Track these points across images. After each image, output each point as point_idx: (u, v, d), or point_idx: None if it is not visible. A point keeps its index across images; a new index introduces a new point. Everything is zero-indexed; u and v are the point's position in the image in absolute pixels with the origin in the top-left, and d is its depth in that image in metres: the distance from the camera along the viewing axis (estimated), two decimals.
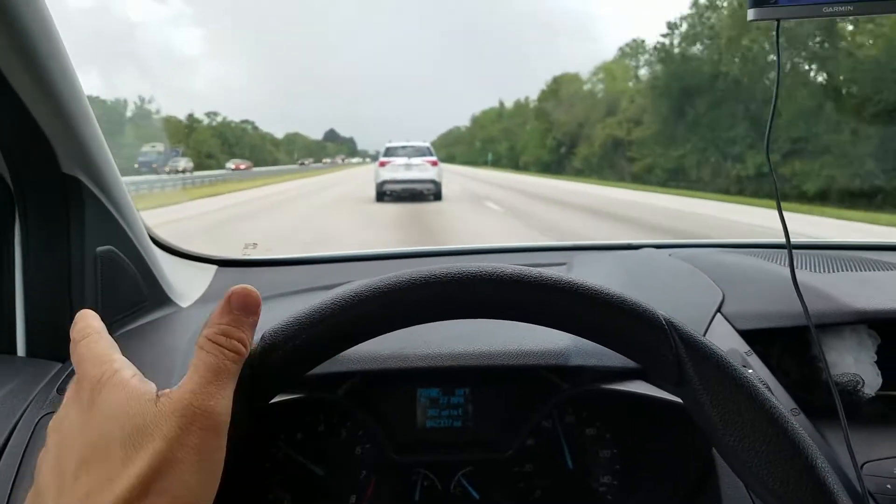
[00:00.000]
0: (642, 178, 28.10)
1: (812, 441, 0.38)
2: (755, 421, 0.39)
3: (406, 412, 0.74)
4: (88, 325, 0.44)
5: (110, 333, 0.43)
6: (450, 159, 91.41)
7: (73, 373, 0.41)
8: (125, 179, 0.83)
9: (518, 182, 27.18)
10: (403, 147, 15.66)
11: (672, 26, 30.08)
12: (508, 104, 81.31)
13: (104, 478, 0.35)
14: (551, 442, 0.75)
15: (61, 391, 0.68)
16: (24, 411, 0.65)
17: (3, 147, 0.71)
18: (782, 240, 0.62)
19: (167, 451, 0.35)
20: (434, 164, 14.85)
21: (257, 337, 0.42)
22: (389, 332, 0.43)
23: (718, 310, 0.80)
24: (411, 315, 0.42)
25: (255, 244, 1.38)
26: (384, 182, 14.30)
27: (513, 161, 62.09)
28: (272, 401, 0.45)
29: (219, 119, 71.09)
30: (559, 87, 53.04)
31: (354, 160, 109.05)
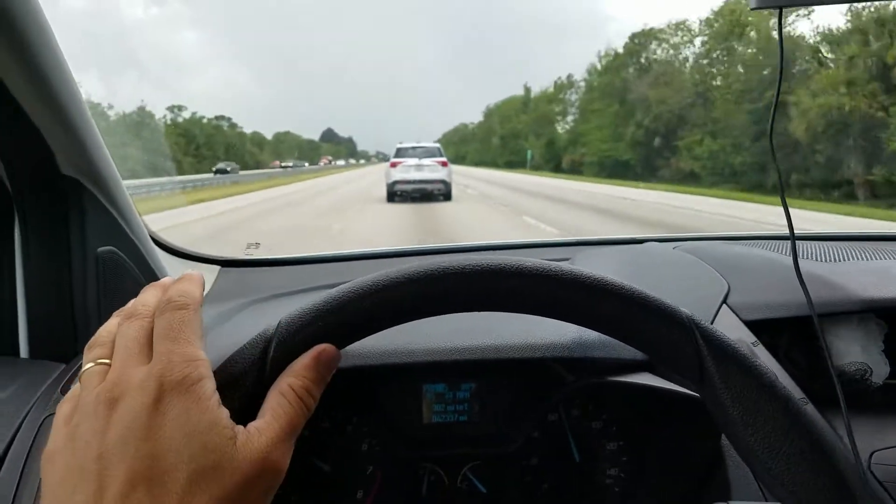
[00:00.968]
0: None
1: (836, 442, 0.38)
2: (777, 421, 0.38)
3: (412, 407, 0.73)
4: (190, 293, 0.40)
5: None
6: (459, 160, 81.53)
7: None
8: None
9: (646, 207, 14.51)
10: (414, 148, 15.91)
11: None
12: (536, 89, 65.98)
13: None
14: (558, 435, 0.74)
15: (65, 392, 0.68)
16: (28, 413, 0.64)
17: (1, 149, 0.70)
18: (786, 231, 0.62)
19: (231, 500, 0.33)
20: (444, 164, 15.14)
21: (274, 324, 0.41)
22: (409, 321, 0.42)
23: (724, 301, 0.79)
24: (428, 307, 0.42)
25: (257, 244, 1.38)
26: (395, 182, 14.58)
27: (550, 161, 48.53)
28: None
29: (184, 114, 60.10)
30: (641, 48, 36.97)
31: (340, 162, 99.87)
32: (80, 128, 0.71)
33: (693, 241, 1.13)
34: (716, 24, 30.34)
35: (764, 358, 0.73)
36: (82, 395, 0.36)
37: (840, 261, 0.84)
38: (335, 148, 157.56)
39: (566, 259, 1.08)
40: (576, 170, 41.78)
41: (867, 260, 0.85)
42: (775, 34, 0.55)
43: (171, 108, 58.89)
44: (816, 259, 0.86)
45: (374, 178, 25.60)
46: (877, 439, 0.67)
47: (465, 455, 0.74)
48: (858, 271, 0.79)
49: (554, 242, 1.27)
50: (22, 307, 0.76)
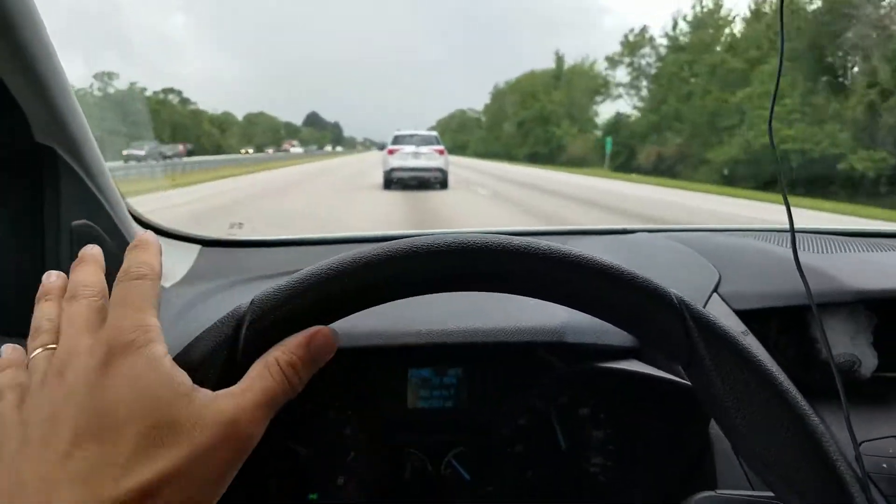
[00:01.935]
0: None
1: (825, 428, 0.37)
2: (767, 404, 0.37)
3: (397, 392, 0.72)
4: (148, 262, 0.38)
5: None
6: (457, 150, 66.82)
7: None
8: None
9: None
10: (411, 136, 15.83)
11: None
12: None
13: (108, 462, 0.30)
14: (544, 422, 0.73)
15: None
16: None
17: None
18: (781, 226, 0.61)
19: (190, 461, 0.31)
20: (441, 152, 15.08)
21: (247, 302, 0.39)
22: (388, 301, 0.40)
23: (715, 290, 0.78)
24: (408, 286, 0.40)
25: (240, 224, 1.35)
26: (392, 169, 14.49)
27: (615, 157, 32.25)
28: None
29: (115, 84, 45.11)
30: None
31: (297, 150, 73.03)
32: (56, 93, 0.68)
33: (684, 232, 1.12)
34: None
35: (755, 348, 0.72)
36: (32, 379, 0.35)
37: (834, 252, 0.84)
38: (318, 133, 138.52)
39: None
40: (665, 170, 25.71)
41: (861, 252, 0.84)
42: None
43: (98, 76, 44.81)
44: (810, 250, 0.86)
45: (338, 182, 17.52)
46: (865, 430, 0.67)
47: (449, 441, 0.73)
48: (851, 262, 0.79)
49: (544, 231, 1.26)
50: None
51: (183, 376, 0.33)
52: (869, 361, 0.74)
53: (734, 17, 30.34)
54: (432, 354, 0.71)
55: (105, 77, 45.57)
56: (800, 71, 19.86)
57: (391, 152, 14.88)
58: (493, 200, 12.67)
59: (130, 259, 0.38)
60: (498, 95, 65.45)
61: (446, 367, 0.72)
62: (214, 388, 0.35)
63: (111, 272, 0.41)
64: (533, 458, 0.73)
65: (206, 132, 62.66)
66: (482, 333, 0.67)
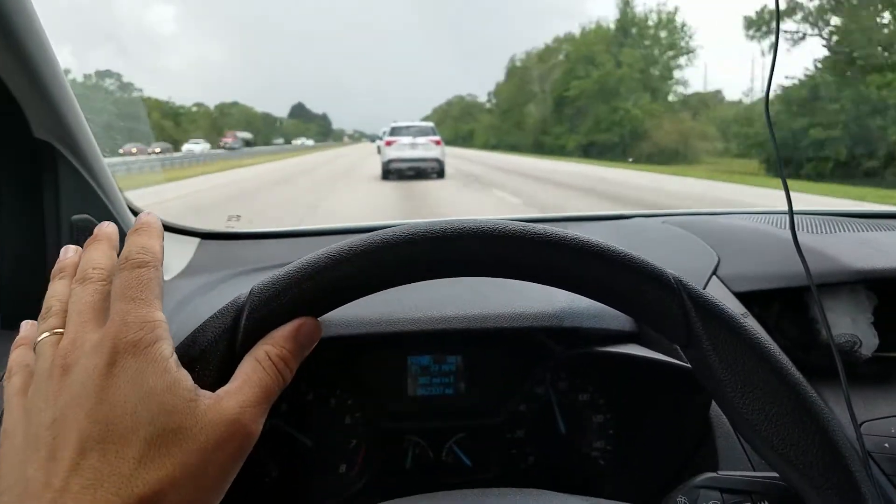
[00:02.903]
0: None
1: (823, 404, 0.37)
2: (766, 382, 0.37)
3: (397, 380, 0.72)
4: (150, 247, 0.37)
5: None
6: (460, 141, 60.46)
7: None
8: None
9: None
10: (408, 127, 16.14)
11: None
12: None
13: (114, 472, 0.29)
14: (544, 408, 0.73)
15: None
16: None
17: None
18: (779, 208, 0.61)
19: (196, 464, 0.31)
20: (438, 143, 15.39)
21: (246, 291, 0.39)
22: (386, 288, 0.40)
23: (714, 272, 0.78)
24: (405, 273, 0.40)
25: (238, 216, 1.35)
26: (391, 160, 14.79)
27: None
28: None
29: None
30: None
31: (236, 144, 47.68)
32: (55, 90, 0.68)
33: (683, 216, 1.12)
34: None
35: (753, 327, 0.72)
36: (38, 365, 0.34)
37: (833, 233, 0.84)
38: (304, 125, 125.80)
39: None
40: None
41: (860, 232, 0.84)
42: None
43: None
44: (809, 231, 0.85)
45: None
46: (866, 410, 0.67)
47: (450, 428, 0.73)
48: (850, 242, 0.78)
49: (542, 218, 1.26)
50: None
51: (187, 379, 0.33)
52: (869, 341, 0.74)
53: None
54: (431, 342, 0.72)
55: None
56: None
57: (389, 143, 15.19)
58: None
59: (131, 244, 0.37)
60: (516, 72, 50.87)
61: (445, 355, 0.72)
62: (214, 380, 0.35)
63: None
64: (533, 443, 0.73)
65: (156, 124, 51.34)
66: (480, 319, 0.67)
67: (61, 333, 0.35)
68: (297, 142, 76.84)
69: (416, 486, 0.72)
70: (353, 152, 35.53)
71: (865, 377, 0.72)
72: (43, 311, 0.38)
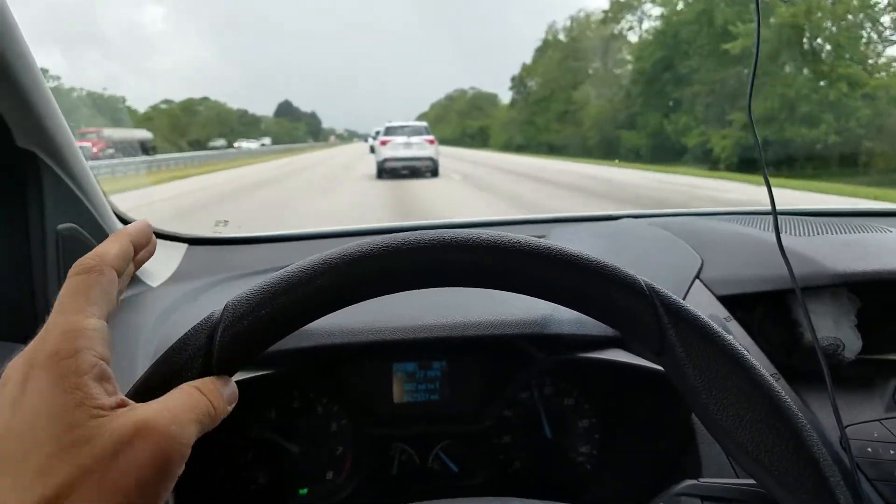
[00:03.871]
0: None
1: (797, 408, 0.37)
2: (739, 388, 0.37)
3: (383, 387, 0.72)
4: (100, 253, 0.36)
5: None
6: (467, 140, 50.88)
7: None
8: None
9: None
10: (402, 127, 16.35)
11: None
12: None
13: (15, 486, 0.29)
14: (530, 413, 0.74)
15: None
16: None
17: None
18: (763, 207, 0.61)
19: (97, 469, 0.30)
20: (431, 142, 15.59)
21: (219, 308, 0.39)
22: (362, 301, 0.40)
23: (697, 276, 0.79)
24: (380, 285, 0.40)
25: (226, 221, 1.35)
26: (385, 160, 14.98)
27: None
28: (239, 378, 0.43)
29: None
30: None
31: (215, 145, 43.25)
32: (36, 98, 0.68)
33: (669, 217, 1.12)
34: None
35: (737, 333, 0.72)
36: None
37: (816, 235, 0.84)
38: (290, 124, 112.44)
39: (542, 236, 1.06)
40: None
41: (843, 233, 0.84)
42: None
43: None
44: (792, 233, 0.86)
45: None
46: (849, 414, 0.67)
47: (436, 434, 0.73)
48: (833, 245, 0.79)
49: (529, 220, 1.26)
50: None
51: (100, 395, 0.32)
52: (853, 344, 0.74)
53: None
54: (416, 348, 0.72)
55: None
56: None
57: (384, 143, 15.39)
58: None
59: (89, 252, 0.36)
60: (557, 46, 36.72)
61: (430, 361, 0.72)
62: None
63: None
64: (519, 448, 0.74)
65: (95, 121, 38.98)
66: (462, 327, 0.67)
67: None
68: (244, 144, 48.21)
69: (402, 493, 0.72)
70: (332, 159, 25.65)
71: (849, 380, 0.72)
72: None
